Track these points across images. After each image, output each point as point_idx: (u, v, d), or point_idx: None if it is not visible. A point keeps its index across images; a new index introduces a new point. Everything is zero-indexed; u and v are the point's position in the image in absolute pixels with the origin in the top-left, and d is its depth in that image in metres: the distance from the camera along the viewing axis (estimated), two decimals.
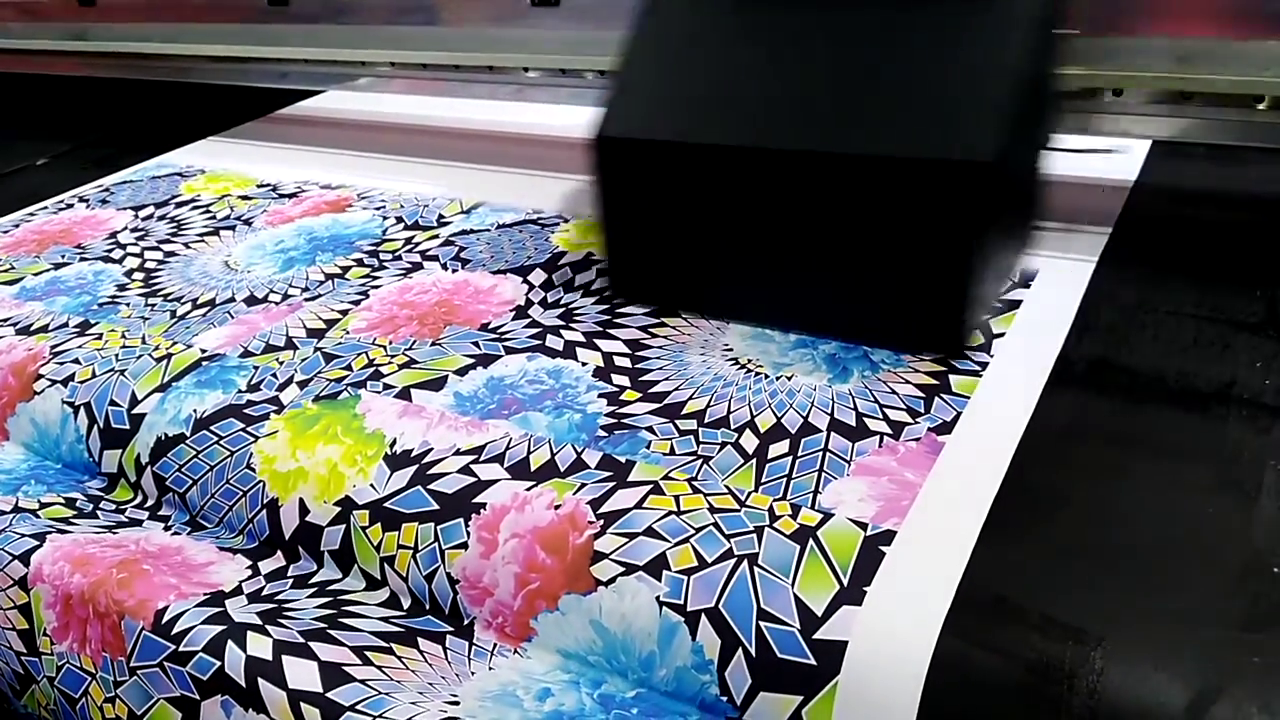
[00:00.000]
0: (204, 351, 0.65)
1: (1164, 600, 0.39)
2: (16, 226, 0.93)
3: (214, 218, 0.89)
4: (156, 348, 0.67)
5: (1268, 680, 0.36)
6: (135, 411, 0.62)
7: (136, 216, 0.92)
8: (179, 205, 0.93)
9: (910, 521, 0.44)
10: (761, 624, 0.41)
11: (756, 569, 0.43)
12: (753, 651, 0.41)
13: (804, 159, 0.55)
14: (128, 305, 0.75)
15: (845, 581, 0.41)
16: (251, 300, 0.73)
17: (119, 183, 1.02)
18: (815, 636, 0.40)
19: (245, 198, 0.93)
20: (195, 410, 0.60)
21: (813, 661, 0.40)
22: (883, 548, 0.42)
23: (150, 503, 0.60)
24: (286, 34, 1.06)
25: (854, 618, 0.40)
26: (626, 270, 0.66)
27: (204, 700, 0.47)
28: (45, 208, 0.97)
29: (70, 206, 0.97)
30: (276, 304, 0.72)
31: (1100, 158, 0.78)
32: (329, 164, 1.00)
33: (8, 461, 0.65)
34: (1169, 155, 0.77)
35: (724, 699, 0.42)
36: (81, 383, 0.65)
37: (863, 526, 0.44)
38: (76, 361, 0.67)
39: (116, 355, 0.67)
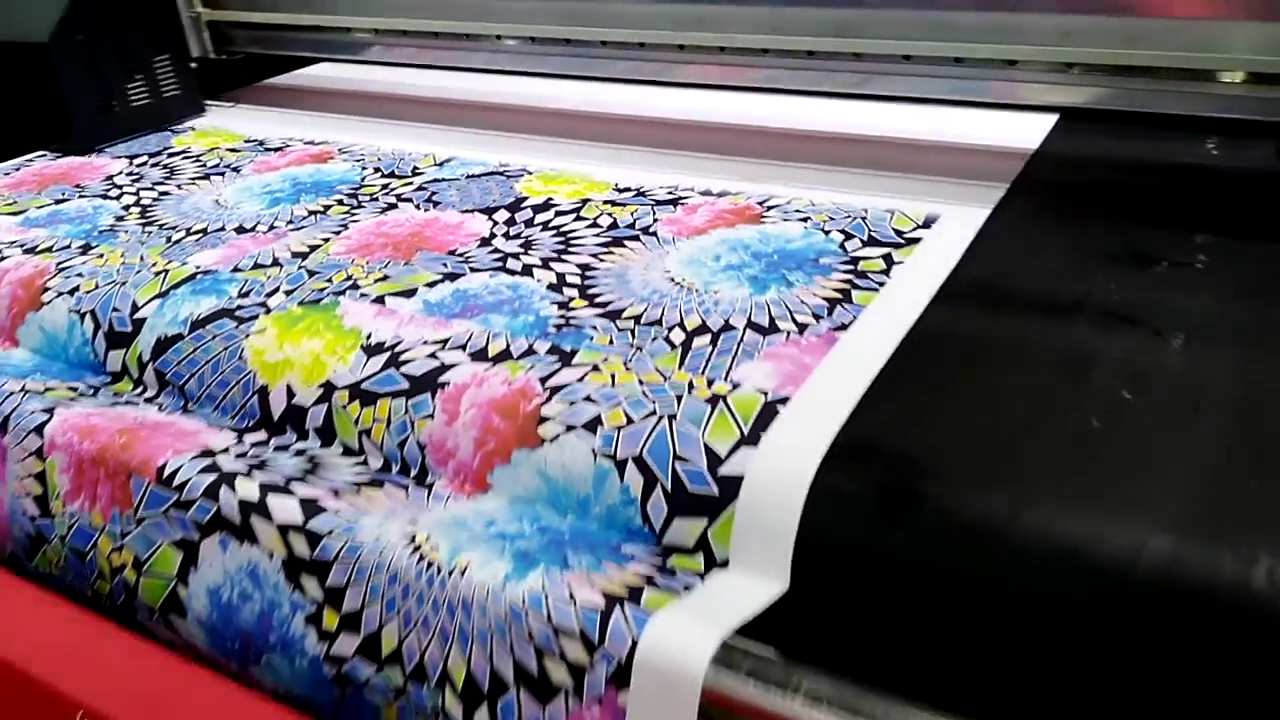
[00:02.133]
0: (199, 268, 0.73)
1: (1005, 445, 0.48)
2: (17, 169, 1.00)
3: (204, 165, 0.97)
4: (154, 264, 0.74)
5: (1075, 498, 0.45)
6: (137, 316, 0.69)
7: (131, 163, 0.99)
8: (170, 156, 1.01)
9: (804, 390, 0.53)
10: (676, 465, 0.50)
11: (674, 424, 0.51)
12: (669, 488, 0.50)
13: None
14: (126, 232, 0.82)
15: (746, 432, 0.50)
16: (241, 230, 0.81)
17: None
18: (719, 473, 0.49)
19: (234, 150, 1.01)
20: (192, 313, 0.68)
21: (716, 492, 0.48)
22: (779, 407, 0.51)
23: (150, 394, 0.67)
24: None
25: (750, 457, 0.49)
26: None
27: (203, 540, 0.54)
28: (43, 155, 1.04)
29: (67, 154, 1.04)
30: (264, 233, 0.80)
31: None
32: (314, 125, 1.08)
33: (15, 360, 0.72)
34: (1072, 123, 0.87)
35: (646, 527, 0.50)
36: (87, 293, 0.72)
37: (764, 393, 0.52)
38: (80, 276, 0.74)
39: (118, 270, 0.74)
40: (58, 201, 0.90)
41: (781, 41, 0.85)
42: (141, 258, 0.76)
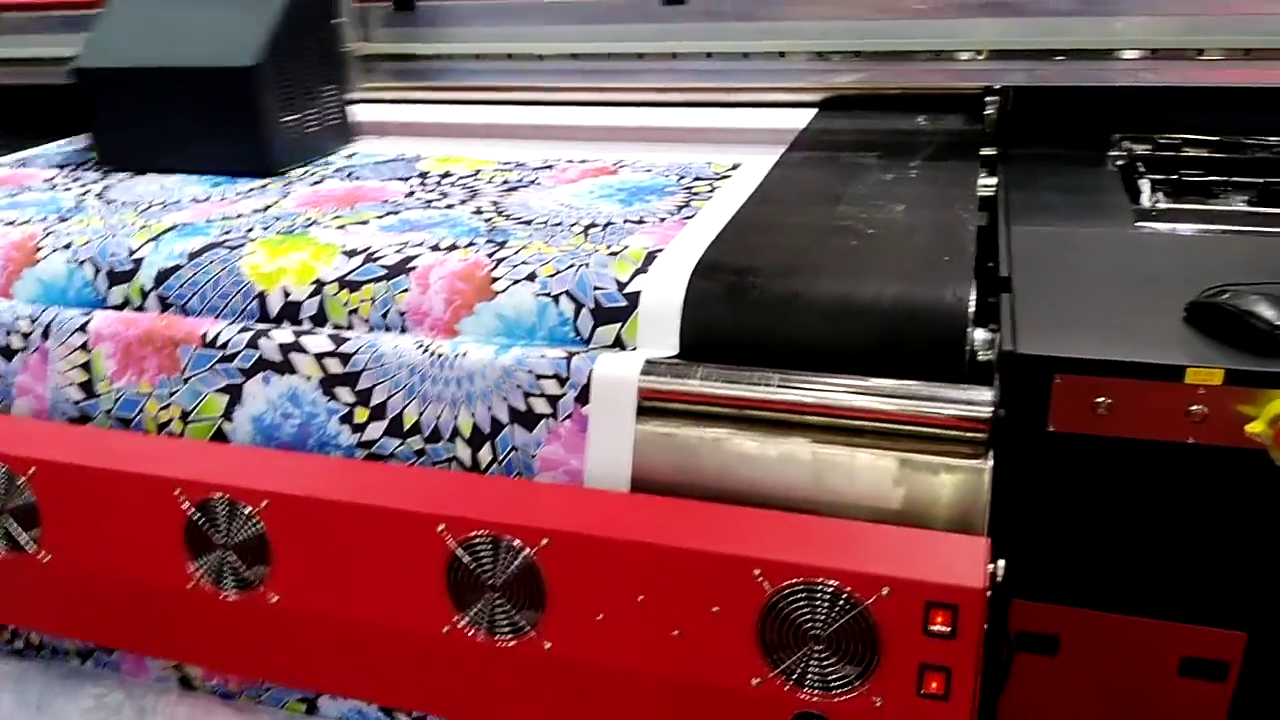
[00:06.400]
0: (176, 222, 0.91)
1: (795, 260, 0.75)
2: None
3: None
4: (135, 223, 0.91)
5: (840, 277, 0.72)
6: (135, 257, 0.86)
7: (60, 171, 1.14)
8: (93, 168, 1.16)
9: (672, 245, 0.78)
10: (596, 292, 0.74)
11: (589, 269, 0.75)
12: (592, 308, 0.73)
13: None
14: (92, 209, 0.98)
15: (639, 268, 0.75)
16: (196, 200, 0.98)
17: (28, 157, 1.22)
18: (625, 291, 0.73)
19: None
20: (186, 248, 0.85)
21: (625, 304, 0.73)
22: (657, 254, 0.76)
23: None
24: None
25: (644, 280, 0.73)
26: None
27: (247, 381, 0.73)
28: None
29: None
30: (219, 200, 0.98)
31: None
32: None
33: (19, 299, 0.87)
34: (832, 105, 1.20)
35: (577, 337, 0.74)
36: (81, 245, 0.88)
37: (646, 249, 0.77)
38: (69, 235, 0.90)
39: (103, 229, 0.90)
40: (12, 195, 1.04)
41: (619, 46, 1.13)
42: (120, 220, 0.92)
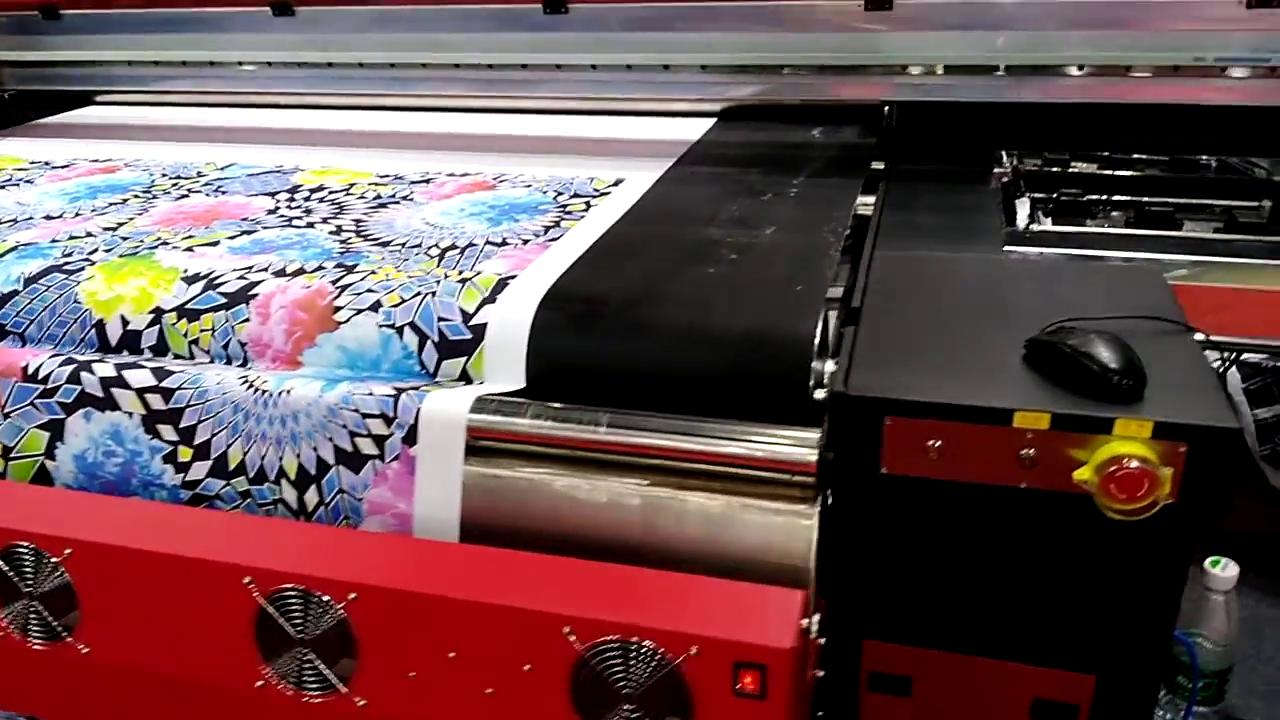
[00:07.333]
0: (18, 242, 0.86)
1: (652, 288, 0.73)
2: None
3: None
4: None
5: (697, 307, 0.70)
6: None
7: None
8: None
9: (526, 271, 0.75)
10: (440, 324, 0.71)
11: (435, 298, 0.72)
12: (436, 340, 0.70)
13: None
14: None
15: (487, 296, 0.72)
16: (49, 218, 0.94)
17: None
18: (470, 324, 0.70)
19: (21, 169, 1.12)
20: (23, 273, 0.81)
21: (470, 337, 0.70)
22: (509, 281, 0.73)
23: None
24: None
25: (491, 310, 0.70)
26: None
27: (69, 417, 0.69)
28: None
29: None
30: (71, 217, 0.93)
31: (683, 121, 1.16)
32: (94, 150, 1.20)
33: None
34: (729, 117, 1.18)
35: (423, 371, 0.70)
36: None
37: (499, 275, 0.74)
38: None
39: None
40: None
41: (503, 57, 1.10)
42: None
